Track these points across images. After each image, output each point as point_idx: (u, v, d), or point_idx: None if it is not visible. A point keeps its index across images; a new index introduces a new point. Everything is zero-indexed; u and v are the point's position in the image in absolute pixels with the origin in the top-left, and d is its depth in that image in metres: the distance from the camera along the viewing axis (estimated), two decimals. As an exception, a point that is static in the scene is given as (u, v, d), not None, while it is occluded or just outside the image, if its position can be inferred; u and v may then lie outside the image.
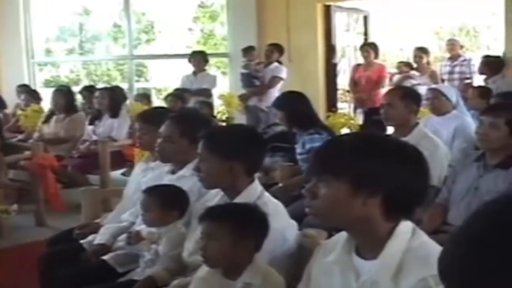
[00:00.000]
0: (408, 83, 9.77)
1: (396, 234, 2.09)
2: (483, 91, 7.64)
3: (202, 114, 4.98)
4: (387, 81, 10.38)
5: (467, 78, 10.64)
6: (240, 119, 10.31)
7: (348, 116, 7.28)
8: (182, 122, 3.99)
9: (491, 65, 9.38)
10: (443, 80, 10.85)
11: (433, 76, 10.51)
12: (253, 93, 10.22)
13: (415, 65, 10.80)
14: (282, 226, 3.02)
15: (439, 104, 6.48)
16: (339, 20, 10.89)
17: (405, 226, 2.12)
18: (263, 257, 2.86)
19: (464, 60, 10.98)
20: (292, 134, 6.07)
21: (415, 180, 2.11)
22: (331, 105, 10.77)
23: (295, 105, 5.93)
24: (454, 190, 4.42)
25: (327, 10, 10.75)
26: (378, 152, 2.12)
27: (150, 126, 4.40)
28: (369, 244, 2.14)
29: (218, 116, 9.54)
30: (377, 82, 10.12)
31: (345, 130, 6.81)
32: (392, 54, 20.29)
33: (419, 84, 9.59)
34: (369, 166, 2.08)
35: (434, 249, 2.05)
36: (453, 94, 6.57)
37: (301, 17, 10.56)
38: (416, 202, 2.18)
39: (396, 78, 10.53)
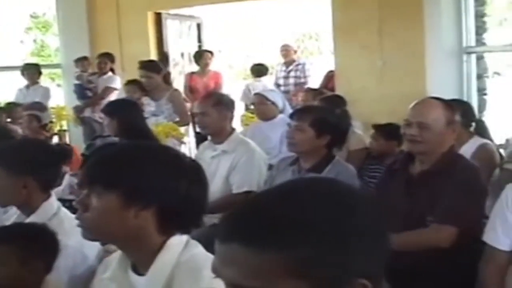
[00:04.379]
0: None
1: (166, 247, 2.03)
2: (317, 94, 7.76)
3: (2, 128, 4.76)
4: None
5: (302, 83, 10.81)
6: (75, 131, 10.12)
7: (172, 125, 7.17)
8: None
9: (255, 71, 11.46)
10: (278, 85, 11.01)
11: (173, 97, 8.02)
12: (87, 104, 10.01)
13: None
14: (80, 243, 2.88)
15: (265, 110, 6.54)
16: (171, 27, 10.80)
17: (177, 239, 2.06)
18: (61, 276, 2.75)
19: (298, 64, 11.19)
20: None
21: (191, 193, 2.05)
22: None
23: (126, 112, 5.79)
24: (271, 195, 4.42)
25: (159, 18, 10.64)
26: (151, 163, 2.05)
27: None
28: (142, 258, 2.07)
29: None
30: (215, 89, 10.07)
31: (169, 140, 6.73)
32: (240, 61, 20.48)
33: (155, 115, 7.60)
34: (141, 177, 2.01)
35: (206, 261, 1.99)
36: (278, 99, 6.63)
37: (133, 26, 10.40)
38: (193, 215, 2.13)
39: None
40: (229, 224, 1.34)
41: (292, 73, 11.02)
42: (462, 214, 3.42)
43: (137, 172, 2.02)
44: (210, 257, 2.03)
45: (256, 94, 6.86)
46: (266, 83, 11.40)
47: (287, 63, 11.19)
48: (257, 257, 1.25)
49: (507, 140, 5.78)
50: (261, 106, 6.59)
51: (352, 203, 1.34)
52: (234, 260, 1.28)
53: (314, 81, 10.81)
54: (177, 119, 7.69)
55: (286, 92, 10.52)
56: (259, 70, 11.57)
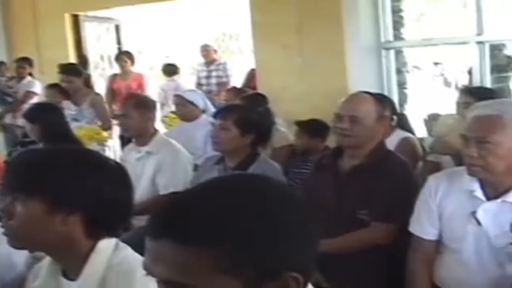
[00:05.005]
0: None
1: (96, 251, 2.01)
2: (239, 92, 7.78)
3: None
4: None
5: (224, 82, 10.84)
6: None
7: (95, 129, 7.09)
8: None
9: (167, 71, 11.86)
10: (201, 85, 11.01)
11: (95, 101, 7.94)
12: (7, 110, 9.81)
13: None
14: (8, 251, 2.84)
15: (186, 111, 6.51)
16: (90, 30, 10.67)
17: (106, 242, 2.04)
18: (-11, 286, 2.70)
19: (220, 64, 11.24)
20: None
21: (116, 196, 2.03)
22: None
23: (48, 117, 5.69)
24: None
25: (76, 20, 10.49)
26: (74, 167, 2.01)
27: None
28: (72, 264, 2.04)
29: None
30: (138, 90, 9.96)
31: (93, 144, 6.65)
32: (160, 62, 20.29)
33: (76, 120, 7.35)
34: (64, 182, 1.96)
35: (138, 263, 1.97)
36: (198, 99, 6.60)
37: (50, 29, 10.22)
38: (120, 218, 2.10)
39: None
40: (159, 221, 1.35)
41: (213, 73, 11.06)
42: (400, 210, 3.46)
43: (60, 177, 1.97)
44: (141, 259, 2.03)
45: (175, 95, 6.83)
46: (180, 82, 11.54)
47: (208, 63, 11.22)
48: (187, 253, 1.28)
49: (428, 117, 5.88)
50: (181, 108, 6.56)
51: (281, 199, 1.37)
52: (164, 256, 1.30)
53: (236, 80, 10.87)
54: (99, 123, 7.63)
55: (208, 92, 10.56)
56: (170, 70, 11.83)
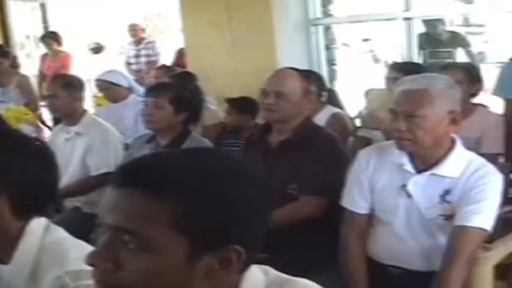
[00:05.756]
0: None
1: (26, 232, 1.97)
2: (168, 71, 7.73)
3: None
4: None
5: (154, 61, 10.77)
6: None
7: (23, 110, 6.98)
8: None
9: (93, 50, 12.19)
10: (130, 64, 10.94)
11: (22, 83, 7.79)
12: None
13: None
14: None
15: (111, 93, 6.43)
16: (14, 9, 10.47)
17: (36, 223, 2.00)
18: None
19: (149, 42, 11.18)
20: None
21: (41, 176, 1.99)
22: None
23: None
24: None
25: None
26: None
27: None
28: (2, 247, 1.99)
29: None
30: (62, 70, 9.77)
31: (24, 126, 6.55)
32: (87, 42, 20.00)
33: (3, 103, 7.31)
34: None
35: (70, 244, 1.98)
36: (121, 80, 6.51)
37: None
38: (46, 197, 2.06)
39: None
40: (125, 170, 1.38)
41: (143, 51, 10.99)
42: (328, 184, 3.50)
43: None
44: (74, 240, 2.02)
45: (96, 80, 6.74)
46: (102, 62, 11.44)
47: (137, 42, 11.14)
48: (145, 201, 1.32)
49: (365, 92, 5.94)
50: (106, 91, 6.48)
51: (244, 175, 1.43)
52: (123, 203, 1.34)
53: (166, 59, 10.81)
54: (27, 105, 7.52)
55: (138, 71, 10.53)
56: (97, 49, 12.21)
